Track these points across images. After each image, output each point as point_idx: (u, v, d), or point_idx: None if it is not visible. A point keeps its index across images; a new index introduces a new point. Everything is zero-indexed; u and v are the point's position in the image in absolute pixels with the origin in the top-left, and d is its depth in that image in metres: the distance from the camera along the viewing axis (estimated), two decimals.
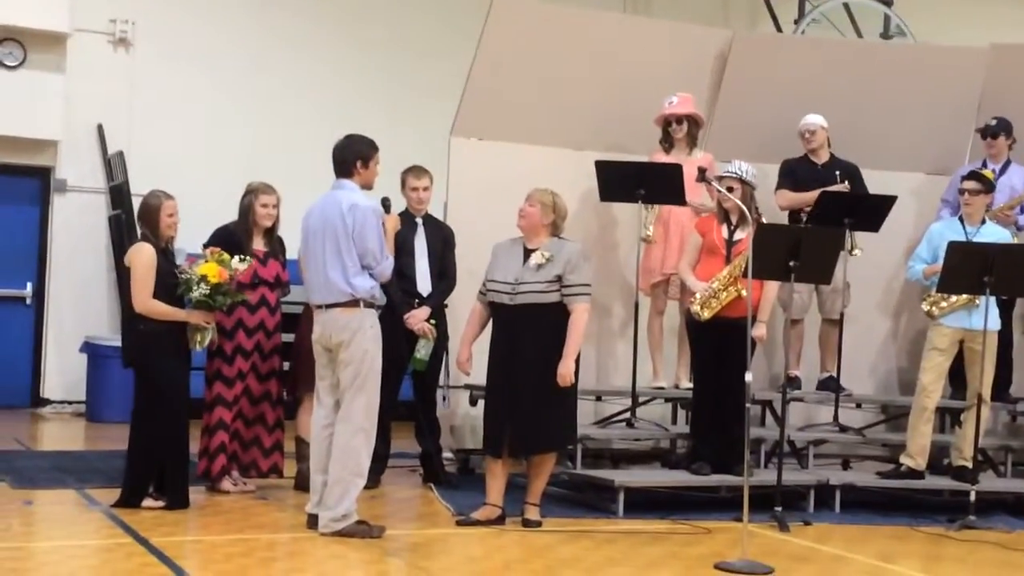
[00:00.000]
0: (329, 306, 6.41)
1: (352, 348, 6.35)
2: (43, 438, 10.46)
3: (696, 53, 9.28)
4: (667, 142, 8.67)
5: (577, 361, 6.76)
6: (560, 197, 6.96)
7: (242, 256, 7.15)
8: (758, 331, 7.51)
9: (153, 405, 6.79)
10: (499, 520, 6.84)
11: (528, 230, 6.89)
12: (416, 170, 8.05)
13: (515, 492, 7.07)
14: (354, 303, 6.37)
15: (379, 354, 6.45)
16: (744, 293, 7.32)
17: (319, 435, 6.50)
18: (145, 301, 6.77)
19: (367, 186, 6.55)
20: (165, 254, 6.93)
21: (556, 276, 6.73)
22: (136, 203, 10.83)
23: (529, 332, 6.73)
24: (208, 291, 6.83)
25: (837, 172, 8.59)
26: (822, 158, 8.81)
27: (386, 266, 6.50)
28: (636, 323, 8.26)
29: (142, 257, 6.82)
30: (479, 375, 7.12)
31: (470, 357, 7.02)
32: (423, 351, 7.80)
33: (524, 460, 7.03)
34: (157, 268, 6.80)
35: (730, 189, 7.52)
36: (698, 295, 7.61)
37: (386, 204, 6.94)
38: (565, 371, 6.65)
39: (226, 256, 7.00)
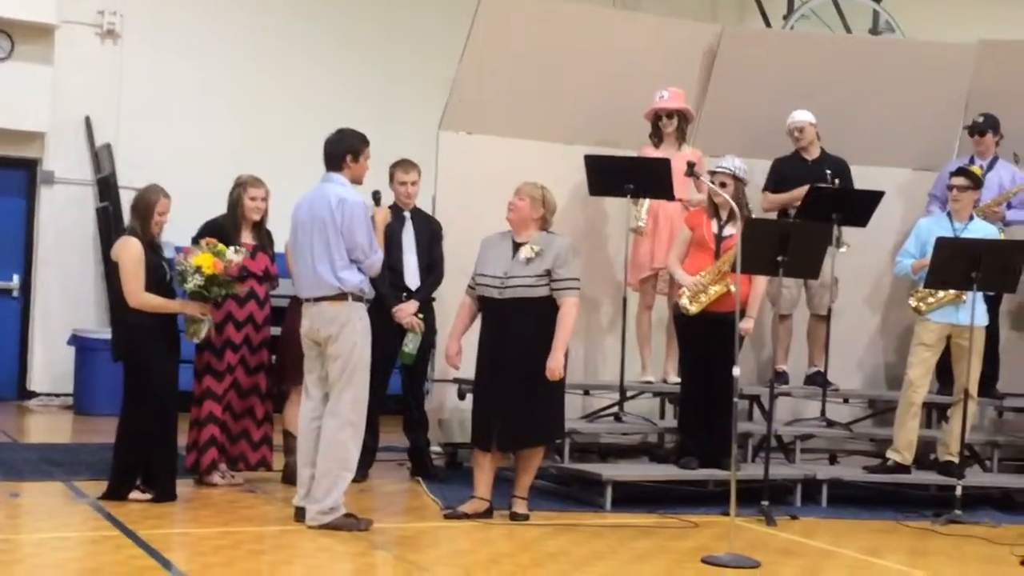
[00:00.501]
0: (317, 299, 6.41)
1: (340, 341, 6.34)
2: (30, 430, 10.44)
3: (685, 48, 9.28)
4: (656, 136, 8.67)
5: (566, 355, 6.77)
6: (549, 191, 6.96)
7: (237, 247, 7.14)
8: (745, 325, 7.53)
9: (141, 398, 6.77)
10: (487, 513, 6.85)
11: (517, 224, 6.89)
12: (404, 164, 8.04)
13: (503, 486, 7.08)
14: (342, 296, 6.36)
15: (367, 347, 6.44)
16: (733, 289, 7.33)
17: (307, 428, 6.49)
18: (139, 296, 6.74)
19: (357, 180, 6.53)
20: (153, 247, 6.91)
21: (545, 270, 6.73)
22: (124, 195, 10.87)
23: (517, 326, 6.73)
24: (203, 282, 6.81)
25: (828, 171, 8.59)
26: (812, 154, 8.82)
27: (375, 260, 6.49)
28: (624, 318, 8.27)
29: (130, 252, 6.79)
30: (468, 369, 7.12)
31: (459, 351, 7.01)
32: (411, 345, 7.80)
33: (512, 454, 7.03)
34: (146, 262, 6.78)
35: (723, 185, 7.52)
36: (687, 289, 7.62)
37: (376, 197, 6.93)
38: (554, 364, 6.66)
39: (221, 247, 6.99)
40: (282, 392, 7.76)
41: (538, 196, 6.88)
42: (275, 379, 7.67)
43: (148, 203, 6.88)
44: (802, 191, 8.47)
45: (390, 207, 7.74)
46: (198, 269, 6.79)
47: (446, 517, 6.85)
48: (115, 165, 11.51)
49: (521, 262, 6.78)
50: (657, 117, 8.63)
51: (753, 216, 7.61)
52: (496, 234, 7.00)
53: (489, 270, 6.87)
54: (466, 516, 6.81)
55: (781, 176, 8.81)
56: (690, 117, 8.75)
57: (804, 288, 8.84)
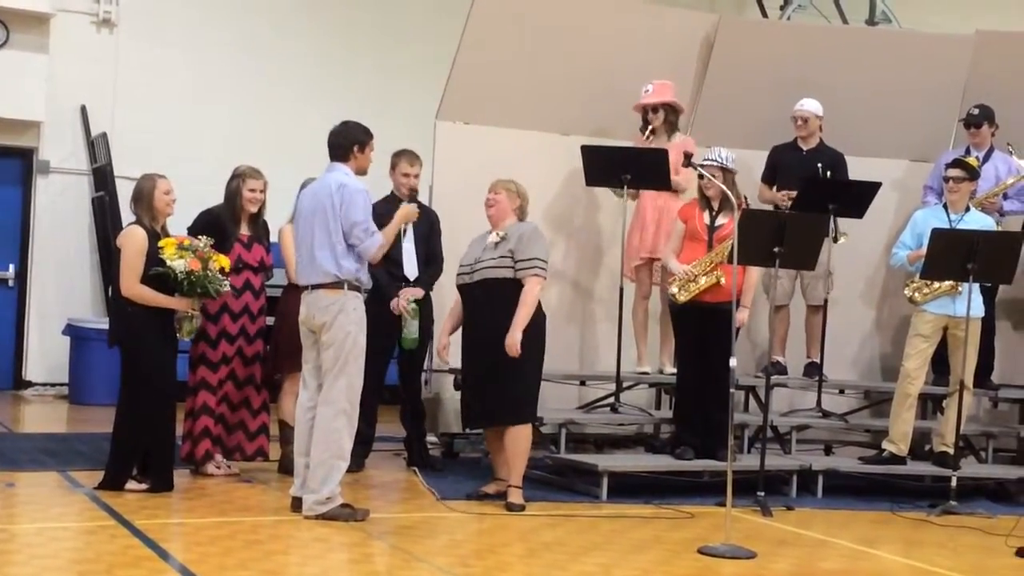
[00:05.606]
0: (314, 287, 6.41)
1: (334, 329, 6.33)
2: (26, 420, 10.43)
3: (682, 38, 9.27)
4: (646, 129, 8.66)
5: (542, 336, 6.88)
6: (520, 184, 7.13)
7: (202, 238, 6.96)
8: (740, 316, 7.56)
9: (139, 387, 6.75)
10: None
11: (497, 217, 7.05)
12: (409, 155, 7.98)
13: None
14: (338, 284, 6.36)
15: (362, 336, 6.43)
16: (723, 280, 7.39)
17: (302, 418, 6.49)
18: (132, 286, 6.72)
19: (361, 172, 6.54)
20: (159, 238, 6.86)
21: (508, 251, 6.87)
22: (120, 185, 10.86)
23: (486, 307, 6.89)
24: (197, 278, 6.74)
25: (819, 164, 8.58)
26: (810, 144, 8.82)
27: (371, 243, 6.40)
28: (620, 308, 8.26)
29: (134, 242, 6.76)
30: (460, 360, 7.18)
31: (447, 345, 7.16)
32: (409, 328, 7.74)
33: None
34: (149, 252, 6.75)
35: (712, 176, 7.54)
36: (676, 277, 7.64)
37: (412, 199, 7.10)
38: (511, 342, 6.73)
39: (188, 240, 6.87)
40: (275, 381, 7.74)
41: (513, 188, 7.11)
42: (269, 367, 7.66)
43: (146, 190, 6.86)
44: (790, 194, 8.48)
45: (387, 197, 7.77)
46: (191, 272, 6.71)
47: (468, 498, 7.00)
48: (111, 154, 11.49)
49: (490, 247, 6.98)
50: (645, 111, 8.62)
51: (751, 206, 7.61)
52: (482, 233, 7.15)
53: (465, 260, 7.09)
54: (488, 496, 6.98)
55: (774, 165, 8.83)
56: (679, 109, 8.71)
57: (799, 278, 8.84)
